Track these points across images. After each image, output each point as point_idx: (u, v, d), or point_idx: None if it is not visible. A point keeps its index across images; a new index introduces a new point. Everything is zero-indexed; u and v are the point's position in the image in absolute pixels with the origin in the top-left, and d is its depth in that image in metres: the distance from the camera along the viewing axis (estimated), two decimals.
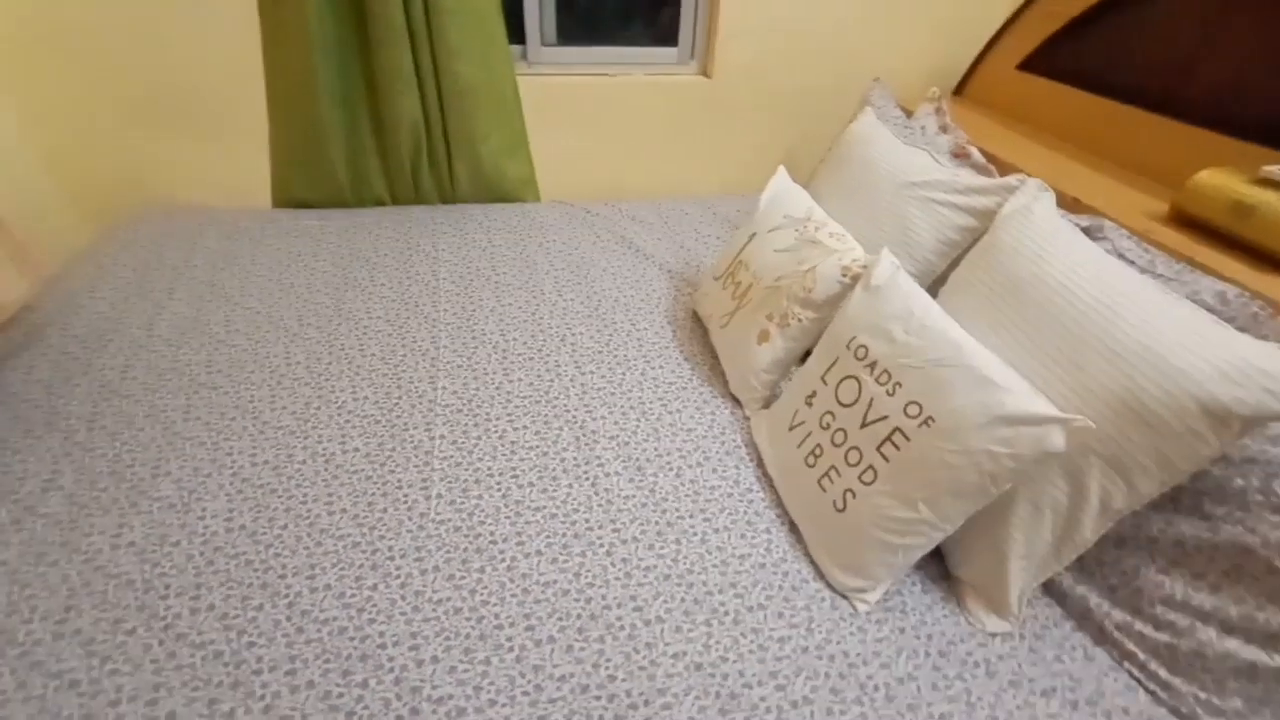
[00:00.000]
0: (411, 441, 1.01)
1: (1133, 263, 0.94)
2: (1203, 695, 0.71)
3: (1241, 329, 0.76)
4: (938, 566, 0.88)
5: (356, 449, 0.99)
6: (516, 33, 1.62)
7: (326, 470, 0.96)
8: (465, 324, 1.27)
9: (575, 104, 1.69)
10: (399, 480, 0.94)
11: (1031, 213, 0.93)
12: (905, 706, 0.72)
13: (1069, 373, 0.75)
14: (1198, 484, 0.75)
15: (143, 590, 0.79)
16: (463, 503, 0.92)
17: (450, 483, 0.94)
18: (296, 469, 0.96)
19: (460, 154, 1.62)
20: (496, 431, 1.04)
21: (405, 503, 0.91)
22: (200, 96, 1.55)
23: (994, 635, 0.81)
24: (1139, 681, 0.76)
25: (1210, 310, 0.80)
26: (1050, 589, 0.85)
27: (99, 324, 1.22)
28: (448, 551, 0.85)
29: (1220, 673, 0.71)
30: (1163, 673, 0.74)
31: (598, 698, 0.71)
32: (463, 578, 0.82)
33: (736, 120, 1.80)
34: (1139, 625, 0.77)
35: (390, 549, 0.85)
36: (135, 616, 0.76)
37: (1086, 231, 1.01)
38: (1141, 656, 0.76)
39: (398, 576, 0.81)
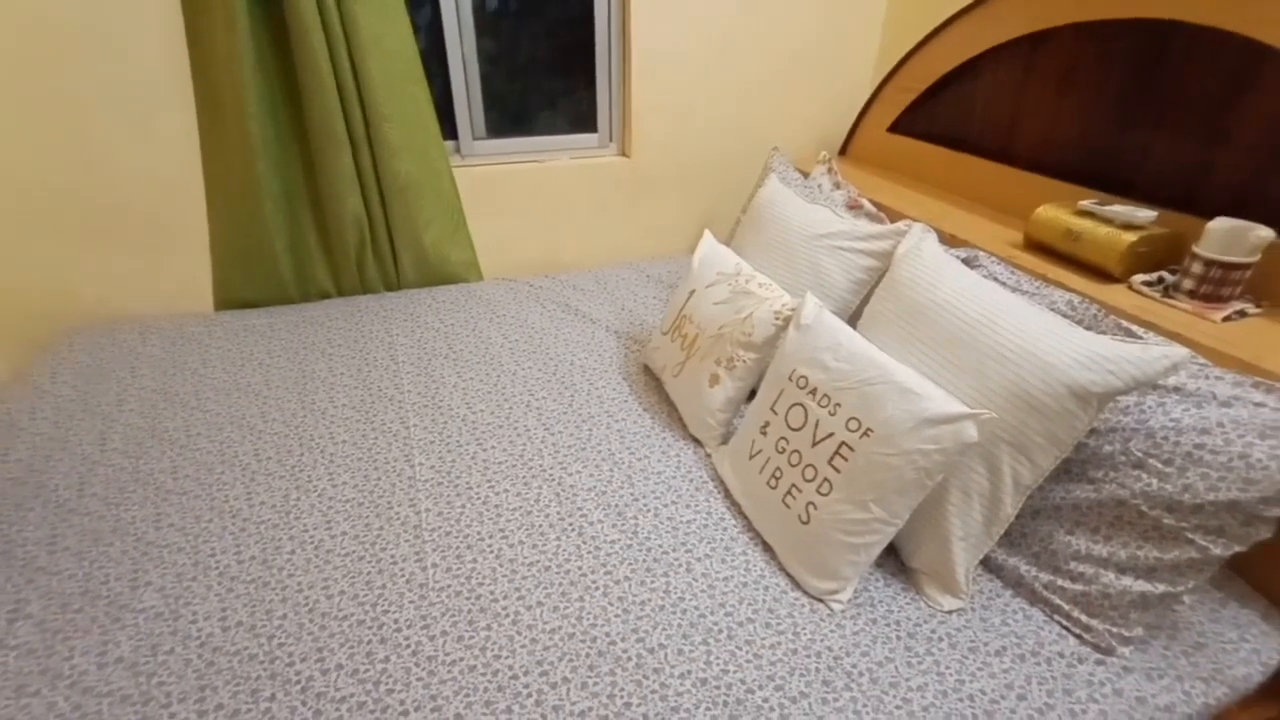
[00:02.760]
0: (399, 518, 1.04)
1: (1004, 283, 1.14)
2: (1114, 629, 0.85)
3: (1087, 328, 0.96)
4: (895, 562, 1.00)
5: (344, 532, 1.02)
6: (449, 129, 1.75)
7: (317, 556, 0.98)
8: (431, 401, 1.33)
9: (508, 189, 1.83)
10: (392, 556, 0.98)
11: (921, 250, 1.12)
12: (888, 685, 0.82)
13: (970, 376, 0.91)
14: (1080, 455, 0.91)
15: (141, 704, 0.78)
16: (459, 568, 0.96)
17: (444, 551, 0.99)
18: (286, 559, 0.97)
19: (404, 244, 1.71)
20: (479, 498, 1.09)
21: (403, 576, 0.94)
22: (132, 209, 1.56)
23: (950, 612, 0.92)
24: (1066, 629, 0.89)
25: (1064, 315, 1.00)
26: (988, 565, 0.98)
27: (44, 445, 1.20)
28: (453, 616, 0.89)
29: (1123, 607, 0.85)
30: (1083, 618, 0.88)
31: None
32: (471, 638, 0.86)
33: (657, 192, 1.99)
34: (1060, 582, 0.91)
35: (396, 621, 0.87)
36: None
37: (965, 261, 1.21)
38: (1066, 607, 0.90)
39: (408, 646, 0.84)
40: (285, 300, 1.71)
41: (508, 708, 0.77)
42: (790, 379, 1.03)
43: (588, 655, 0.84)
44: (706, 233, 1.41)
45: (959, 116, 1.68)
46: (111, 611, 0.89)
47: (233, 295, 1.68)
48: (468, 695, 0.78)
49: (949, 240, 1.35)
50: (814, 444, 0.96)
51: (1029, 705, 0.80)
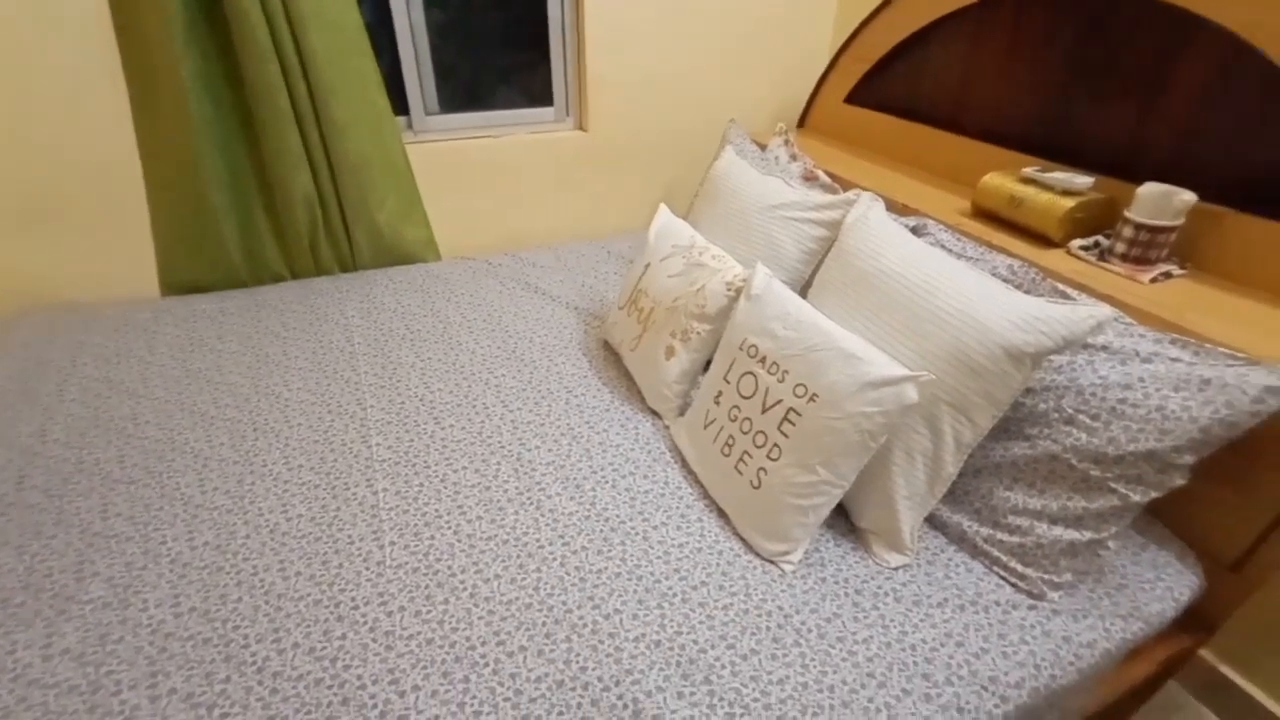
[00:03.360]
0: (356, 499, 1.04)
1: (950, 250, 1.17)
2: (1046, 576, 0.90)
3: (1026, 291, 0.99)
4: (844, 523, 1.03)
5: (300, 515, 1.01)
6: (400, 105, 1.71)
7: (273, 539, 0.97)
8: (389, 382, 1.32)
9: (464, 166, 1.80)
10: (350, 536, 0.98)
11: (868, 219, 1.14)
12: (835, 639, 0.85)
13: (911, 340, 0.94)
14: (1016, 414, 0.95)
15: (90, 693, 0.78)
16: (416, 545, 0.97)
17: (401, 530, 0.99)
18: (241, 544, 0.96)
19: (358, 224, 1.67)
20: (438, 476, 1.09)
21: (360, 555, 0.94)
22: (69, 192, 1.50)
23: (896, 568, 0.96)
24: (1004, 579, 0.94)
25: (1004, 280, 1.03)
26: (932, 521, 1.02)
27: None
28: (410, 591, 0.89)
29: (1054, 555, 0.90)
30: (1019, 567, 0.92)
31: (573, 689, 0.78)
32: (429, 612, 0.87)
33: (616, 166, 1.97)
34: (999, 535, 0.95)
35: (353, 599, 0.88)
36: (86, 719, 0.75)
37: (914, 229, 1.24)
38: (1003, 559, 0.94)
39: (364, 622, 0.85)
40: (236, 284, 1.67)
41: (464, 677, 0.79)
42: (741, 348, 1.05)
43: (544, 624, 0.86)
44: (662, 206, 1.41)
45: (912, 87, 1.70)
46: (56, 604, 0.88)
47: (179, 279, 1.63)
48: (425, 667, 0.80)
49: (901, 209, 1.37)
50: (764, 411, 0.98)
51: (966, 651, 0.84)
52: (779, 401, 0.96)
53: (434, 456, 1.14)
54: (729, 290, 1.16)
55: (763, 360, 1.01)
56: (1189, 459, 0.84)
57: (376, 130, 1.61)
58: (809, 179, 1.60)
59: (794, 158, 1.69)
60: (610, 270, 1.79)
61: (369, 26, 1.52)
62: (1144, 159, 1.23)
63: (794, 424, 0.94)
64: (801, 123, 2.08)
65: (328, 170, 1.60)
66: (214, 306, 1.57)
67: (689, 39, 1.85)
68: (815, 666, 0.81)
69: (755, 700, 0.77)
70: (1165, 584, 0.93)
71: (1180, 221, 1.06)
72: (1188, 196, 1.04)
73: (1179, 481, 0.86)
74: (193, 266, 1.62)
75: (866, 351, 0.91)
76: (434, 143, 1.74)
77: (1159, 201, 1.06)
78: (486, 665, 0.80)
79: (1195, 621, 1.00)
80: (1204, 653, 1.02)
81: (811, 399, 0.92)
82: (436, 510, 1.03)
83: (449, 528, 1.00)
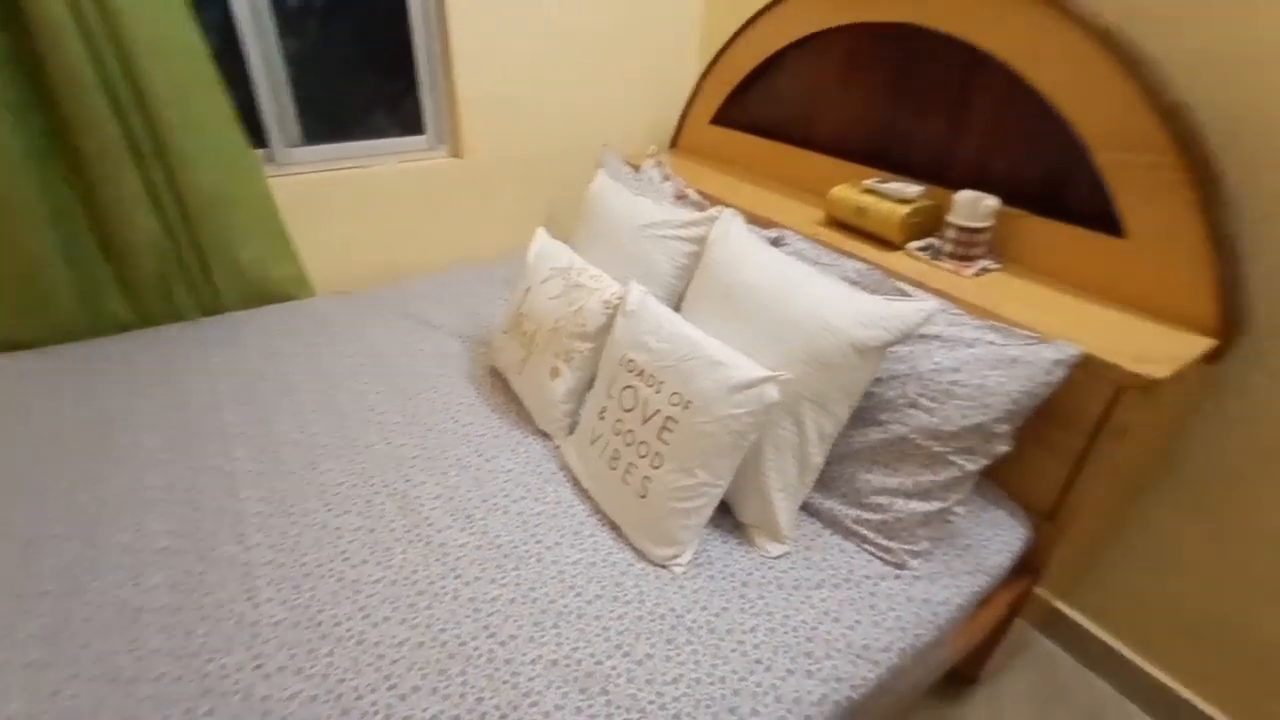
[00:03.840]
0: (224, 558, 0.97)
1: (807, 258, 1.27)
2: (906, 547, 1.00)
3: (872, 291, 1.09)
4: (728, 520, 1.09)
5: (155, 585, 0.93)
6: (259, 137, 1.63)
7: (122, 618, 0.88)
8: (260, 430, 1.24)
9: (334, 198, 1.73)
10: (218, 599, 0.91)
11: (729, 234, 1.22)
12: (724, 633, 0.89)
13: (772, 343, 1.01)
14: (869, 402, 1.05)
15: None
16: (295, 599, 0.92)
17: (278, 585, 0.93)
18: (77, 630, 0.86)
19: (218, 264, 1.57)
20: (317, 523, 1.04)
21: (231, 618, 0.88)
22: None
23: (777, 557, 1.02)
24: (872, 554, 1.02)
25: (853, 282, 1.14)
26: (806, 509, 1.10)
27: None
28: (290, 649, 0.85)
29: (911, 527, 1.00)
30: (883, 541, 1.02)
31: None
32: (311, 667, 0.83)
33: (495, 192, 1.97)
34: (865, 515, 1.04)
35: (223, 668, 0.82)
36: None
37: (774, 241, 1.34)
38: (870, 536, 1.03)
39: (237, 692, 0.79)
40: (71, 337, 1.51)
41: None
42: (621, 363, 1.09)
43: (438, 660, 0.84)
44: (539, 229, 1.43)
45: (768, 108, 1.83)
46: None
47: None
48: None
49: (765, 222, 1.47)
50: (644, 421, 1.02)
51: (841, 625, 0.91)
52: (658, 411, 1.00)
53: (312, 503, 1.08)
54: (607, 308, 1.19)
55: (640, 373, 1.05)
56: (1007, 428, 0.97)
57: (231, 165, 1.52)
58: (680, 198, 1.68)
59: (666, 178, 1.77)
60: (494, 295, 1.78)
61: (215, 55, 1.44)
62: (958, 168, 1.40)
63: (672, 431, 0.98)
64: (674, 144, 2.18)
65: (178, 209, 1.49)
66: (44, 365, 1.41)
67: (558, 65, 1.90)
68: (707, 661, 0.85)
69: (651, 703, 0.80)
70: (1002, 539, 1.06)
71: (991, 223, 1.22)
72: (992, 201, 1.20)
73: (1003, 448, 0.99)
74: (15, 321, 1.45)
75: (731, 357, 0.98)
76: (299, 175, 1.67)
77: (972, 206, 1.21)
78: (378, 713, 0.77)
79: (1027, 567, 1.14)
80: (1038, 591, 1.16)
81: (686, 406, 0.97)
82: (316, 559, 0.98)
83: (331, 575, 0.95)
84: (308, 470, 1.15)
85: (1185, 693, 1.28)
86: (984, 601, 1.05)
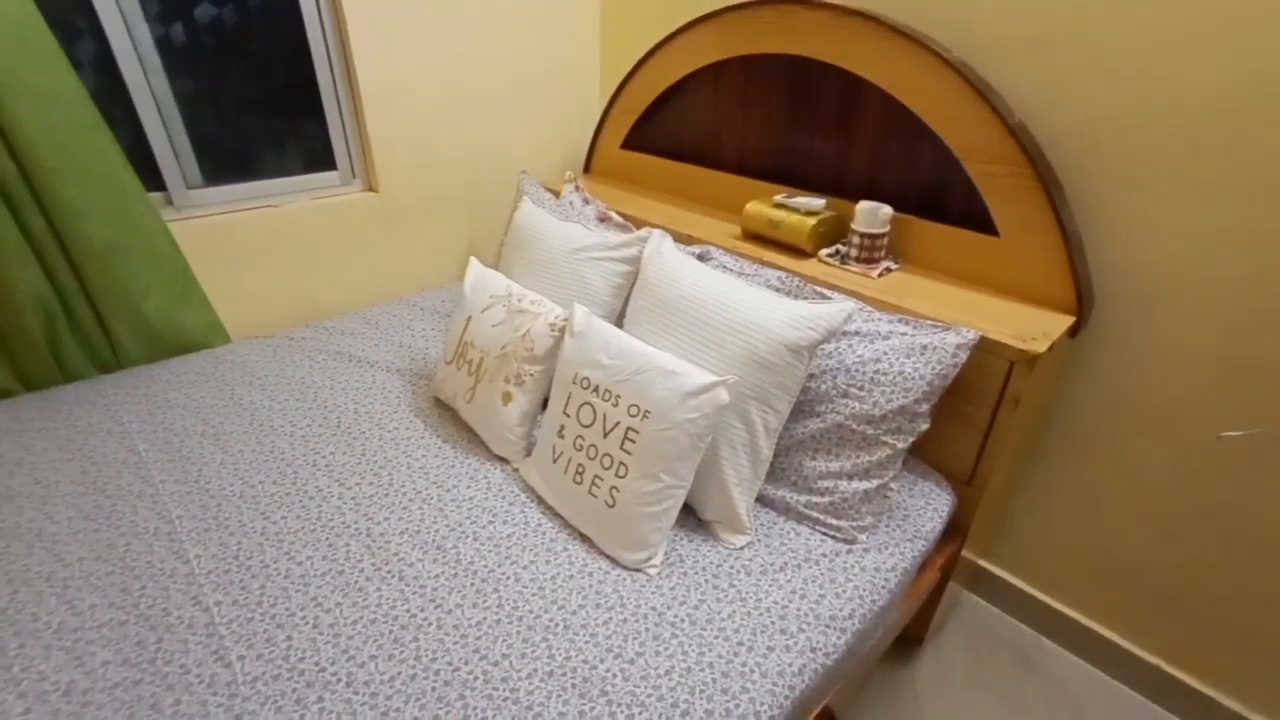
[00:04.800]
0: (183, 623, 0.92)
1: (731, 270, 1.38)
2: (853, 524, 1.11)
3: (795, 296, 1.21)
4: (692, 520, 1.15)
5: (107, 661, 0.87)
6: (154, 180, 1.53)
7: (69, 705, 0.81)
8: (195, 487, 1.17)
9: (245, 239, 1.65)
10: (183, 665, 0.86)
11: (661, 252, 1.30)
12: (705, 622, 0.96)
13: (713, 350, 1.10)
14: (806, 396, 1.16)
15: None
16: (271, 652, 0.88)
17: (250, 641, 0.90)
18: None
19: (117, 317, 1.45)
20: (280, 573, 1.01)
21: (203, 682, 0.84)
22: None
23: (742, 547, 1.10)
24: (824, 533, 1.13)
25: (776, 289, 1.25)
26: (762, 501, 1.19)
27: None
28: (275, 702, 0.82)
29: (855, 504, 1.11)
30: (833, 521, 1.12)
31: None
32: (303, 715, 0.81)
33: (412, 224, 1.96)
34: (814, 499, 1.15)
35: None
36: None
37: (700, 256, 1.43)
38: (821, 518, 1.14)
39: None
40: None
41: None
42: (574, 382, 1.13)
43: (434, 689, 0.84)
44: (473, 260, 1.45)
45: (675, 132, 1.95)
46: None
47: None
48: None
49: (685, 239, 1.57)
50: (605, 435, 1.07)
51: (809, 600, 1.00)
52: (618, 424, 1.06)
53: (270, 553, 1.04)
54: (553, 331, 1.23)
55: (596, 389, 1.10)
56: (926, 407, 1.11)
57: (125, 210, 1.42)
58: (603, 220, 1.75)
59: (586, 202, 1.84)
60: (425, 327, 1.77)
61: (96, 96, 1.35)
62: (852, 181, 1.56)
63: (634, 441, 1.04)
64: (587, 168, 2.25)
65: (64, 260, 1.38)
66: None
67: (468, 96, 1.92)
68: (694, 651, 0.91)
69: (649, 695, 0.84)
70: (932, 507, 1.20)
71: (888, 229, 1.38)
72: (887, 210, 1.36)
73: (924, 426, 1.13)
74: None
75: (681, 366, 1.05)
76: (204, 218, 1.58)
77: (870, 215, 1.37)
78: None
79: (955, 530, 1.29)
80: (965, 553, 1.32)
81: (644, 416, 1.04)
82: (287, 609, 0.95)
83: (306, 622, 0.93)
84: (259, 520, 1.10)
85: (1088, 622, 1.48)
86: (924, 565, 1.18)
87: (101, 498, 1.14)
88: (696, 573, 1.05)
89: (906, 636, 1.47)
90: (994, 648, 1.55)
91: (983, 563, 1.63)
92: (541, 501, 1.18)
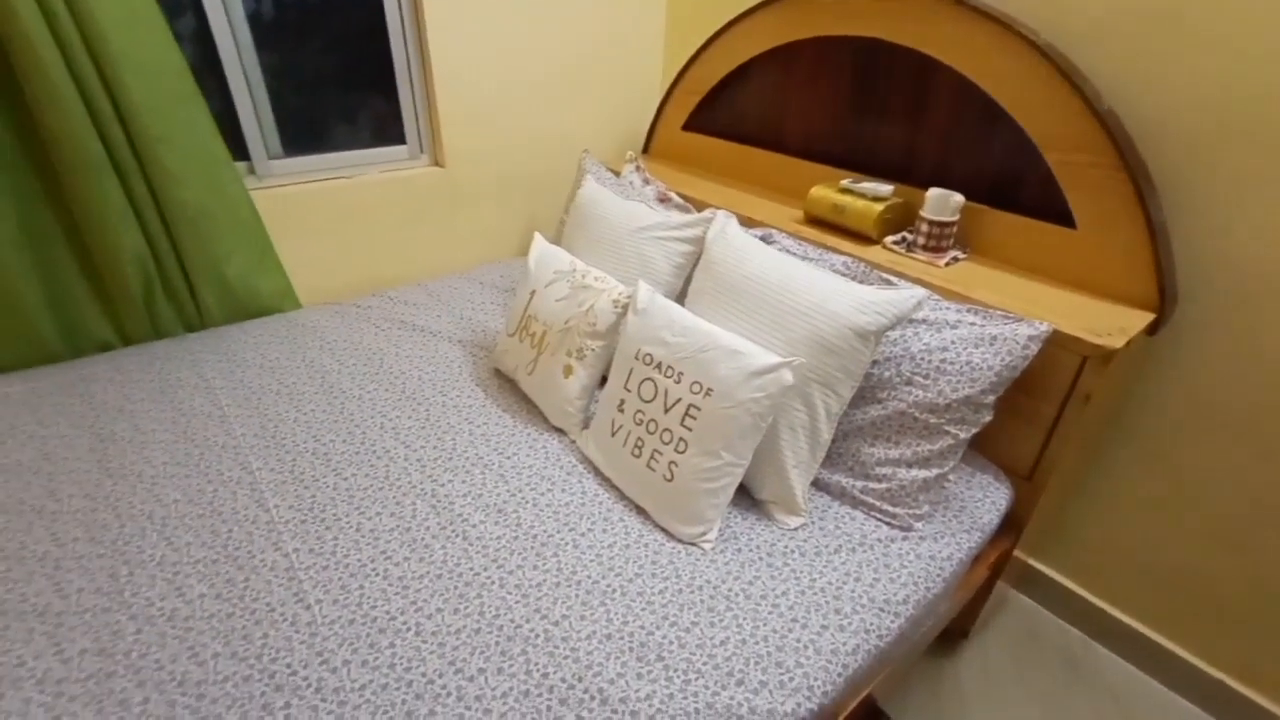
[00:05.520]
0: (266, 565, 0.98)
1: (794, 254, 1.37)
2: (910, 511, 1.10)
3: (860, 281, 1.20)
4: (747, 499, 1.16)
5: (202, 594, 0.93)
6: (239, 150, 1.61)
7: (173, 628, 0.89)
8: (272, 441, 1.24)
9: (317, 209, 1.72)
10: (268, 603, 0.92)
11: (726, 233, 1.30)
12: (759, 598, 0.97)
13: (778, 332, 1.10)
14: (868, 383, 1.15)
15: None
16: (345, 598, 0.94)
17: (325, 586, 0.95)
18: (132, 641, 0.87)
19: (203, 280, 1.54)
20: (352, 526, 1.06)
21: (285, 619, 0.90)
22: None
23: (796, 528, 1.11)
24: (879, 519, 1.13)
25: (842, 274, 1.24)
26: (817, 484, 1.19)
27: None
28: (352, 644, 0.87)
29: (913, 492, 1.10)
30: (889, 508, 1.12)
31: (539, 694, 0.82)
32: (375, 659, 0.85)
33: (475, 200, 2.00)
34: (870, 485, 1.14)
35: (289, 665, 0.84)
36: None
37: (763, 239, 1.43)
38: (877, 504, 1.13)
39: (309, 685, 0.82)
40: (49, 358, 1.46)
41: (429, 711, 0.79)
42: (637, 358, 1.15)
43: (498, 643, 0.88)
44: (538, 235, 1.48)
45: (739, 114, 1.93)
46: None
47: None
48: (387, 712, 0.79)
49: (746, 222, 1.56)
50: (666, 410, 1.09)
51: (863, 583, 1.00)
52: (679, 400, 1.08)
53: (342, 508, 1.10)
54: (616, 307, 1.25)
55: (659, 366, 1.12)
56: (992, 398, 1.09)
57: (215, 178, 1.50)
58: (663, 200, 1.76)
59: (647, 182, 1.85)
60: (485, 300, 1.81)
61: (194, 68, 1.43)
62: (921, 168, 1.53)
63: (695, 418, 1.06)
64: (646, 149, 2.26)
65: (161, 223, 1.46)
66: (23, 387, 1.36)
67: (534, 74, 1.95)
68: (749, 624, 0.92)
69: (705, 663, 0.86)
70: (990, 499, 1.18)
71: (958, 217, 1.35)
72: (959, 198, 1.33)
73: (988, 417, 1.11)
74: None
75: (746, 346, 1.06)
76: (281, 188, 1.66)
77: (941, 202, 1.34)
78: (449, 694, 0.81)
79: (1010, 526, 1.27)
80: (1016, 551, 1.30)
81: (707, 393, 1.05)
82: (359, 560, 1.00)
83: (377, 574, 0.98)
84: (331, 476, 1.16)
85: (1143, 629, 1.44)
86: (976, 559, 1.17)
87: (191, 446, 1.22)
88: (750, 550, 1.06)
89: (951, 630, 1.46)
90: (1039, 646, 1.52)
91: (1032, 561, 1.60)
92: (598, 473, 1.21)
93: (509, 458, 1.23)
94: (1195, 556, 1.33)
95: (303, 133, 1.72)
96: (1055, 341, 1.10)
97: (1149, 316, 1.17)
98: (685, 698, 0.82)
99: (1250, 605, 1.28)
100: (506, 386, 1.46)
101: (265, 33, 1.58)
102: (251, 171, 1.65)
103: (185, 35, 1.49)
